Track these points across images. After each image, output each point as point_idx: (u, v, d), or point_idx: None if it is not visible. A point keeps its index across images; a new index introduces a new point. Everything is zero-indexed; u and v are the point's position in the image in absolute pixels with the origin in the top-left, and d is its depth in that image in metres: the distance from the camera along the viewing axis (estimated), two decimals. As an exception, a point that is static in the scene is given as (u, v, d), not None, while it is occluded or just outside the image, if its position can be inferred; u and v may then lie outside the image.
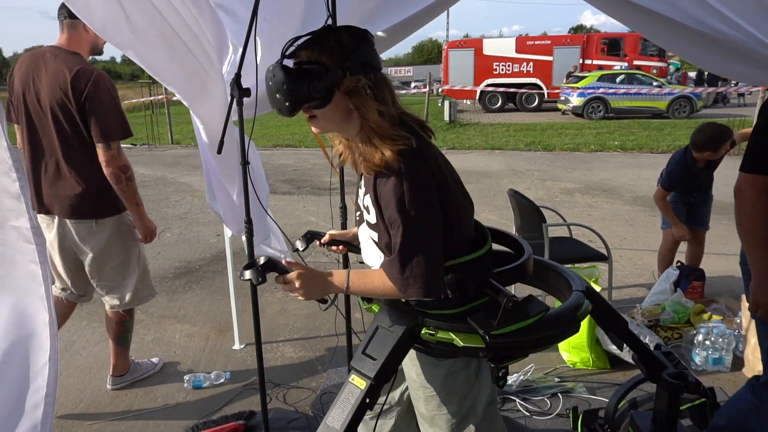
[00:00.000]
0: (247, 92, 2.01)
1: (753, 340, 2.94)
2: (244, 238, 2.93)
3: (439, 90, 21.84)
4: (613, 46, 19.98)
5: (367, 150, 1.31)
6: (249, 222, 2.20)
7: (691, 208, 3.73)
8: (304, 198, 7.21)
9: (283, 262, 1.36)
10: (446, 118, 16.19)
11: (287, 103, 1.28)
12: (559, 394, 2.75)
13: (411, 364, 1.52)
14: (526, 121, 16.56)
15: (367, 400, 1.36)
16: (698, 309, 3.41)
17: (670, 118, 15.75)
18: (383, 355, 1.37)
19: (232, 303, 3.28)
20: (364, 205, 1.41)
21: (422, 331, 1.38)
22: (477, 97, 20.11)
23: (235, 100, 2.03)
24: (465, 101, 21.66)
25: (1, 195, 1.04)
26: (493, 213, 6.24)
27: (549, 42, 20.09)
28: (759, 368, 2.87)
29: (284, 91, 1.27)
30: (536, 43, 20.12)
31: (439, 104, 19.68)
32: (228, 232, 3.11)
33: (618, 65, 18.85)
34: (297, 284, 1.35)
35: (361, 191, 1.43)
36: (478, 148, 11.70)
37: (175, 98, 12.52)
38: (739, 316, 3.19)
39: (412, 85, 31.83)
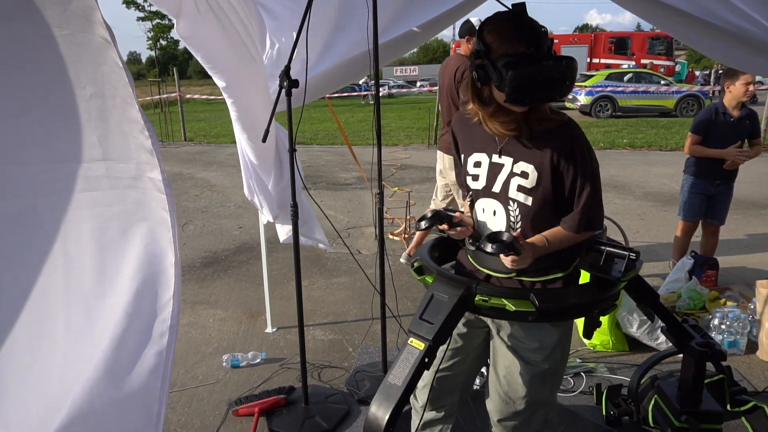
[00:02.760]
0: (295, 83, 2.15)
1: (767, 324, 3.06)
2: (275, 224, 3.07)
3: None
4: (620, 45, 20.07)
5: (542, 112, 1.53)
6: (294, 206, 2.33)
7: (710, 200, 3.82)
8: (321, 193, 7.35)
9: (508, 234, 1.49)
10: (454, 116, 16.30)
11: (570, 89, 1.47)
12: (582, 374, 2.88)
13: (525, 332, 1.62)
14: (533, 119, 16.64)
15: (426, 360, 1.50)
16: (713, 296, 3.54)
17: (677, 116, 15.82)
18: (440, 319, 1.51)
19: (265, 288, 3.42)
20: (517, 171, 1.56)
21: (476, 298, 1.51)
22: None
23: (284, 90, 2.17)
24: None
25: (138, 150, 1.20)
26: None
27: (557, 41, 20.16)
28: (773, 351, 3.00)
29: (572, 78, 1.45)
30: (543, 42, 20.21)
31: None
32: (263, 221, 3.24)
33: (626, 64, 18.93)
34: (526, 255, 1.48)
35: (501, 160, 1.59)
36: (487, 145, 11.79)
37: (188, 96, 12.59)
38: (754, 302, 3.31)
39: (418, 84, 31.93)
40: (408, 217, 5.44)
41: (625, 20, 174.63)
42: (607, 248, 1.61)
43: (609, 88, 16.32)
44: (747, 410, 2.53)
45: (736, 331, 3.11)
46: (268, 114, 2.30)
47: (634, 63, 18.96)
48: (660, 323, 3.11)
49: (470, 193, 1.70)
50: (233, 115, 2.57)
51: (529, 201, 1.56)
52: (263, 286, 3.49)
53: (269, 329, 3.46)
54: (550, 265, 1.59)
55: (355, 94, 18.27)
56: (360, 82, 20.78)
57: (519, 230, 1.58)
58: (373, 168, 3.88)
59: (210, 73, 2.28)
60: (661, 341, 3.10)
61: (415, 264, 1.78)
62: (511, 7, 1.48)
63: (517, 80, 1.39)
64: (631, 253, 1.58)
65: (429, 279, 1.67)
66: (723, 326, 3.12)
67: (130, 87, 1.16)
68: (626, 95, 16.27)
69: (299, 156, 2.79)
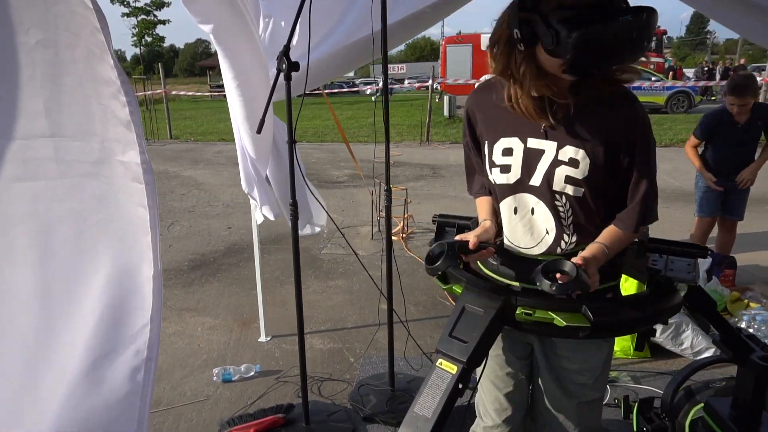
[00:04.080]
0: (295, 66, 1.90)
1: (796, 327, 2.88)
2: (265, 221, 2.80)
3: (436, 86, 21.86)
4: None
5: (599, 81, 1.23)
6: (294, 204, 2.09)
7: (727, 196, 3.64)
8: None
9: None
10: (446, 113, 16.12)
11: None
12: (605, 384, 2.66)
13: (571, 351, 1.39)
14: (524, 116, 16.50)
15: (460, 386, 1.26)
16: (734, 297, 3.35)
17: (668, 112, 15.75)
18: (475, 337, 1.27)
19: (258, 294, 3.16)
20: (563, 159, 1.27)
21: (517, 311, 1.28)
22: (474, 93, 20.05)
23: (282, 75, 1.92)
24: None
25: (108, 121, 0.89)
26: (506, 205, 6.17)
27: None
28: (803, 356, 2.81)
29: (651, 36, 1.16)
30: (533, 38, 20.10)
31: (437, 100, 19.59)
32: (256, 220, 2.98)
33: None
34: (595, 277, 1.22)
35: (542, 145, 1.29)
36: (480, 142, 11.63)
37: (174, 92, 12.24)
38: (778, 304, 3.13)
39: (406, 82, 31.67)
40: (405, 216, 5.21)
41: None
42: (672, 248, 1.36)
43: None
44: (787, 423, 2.34)
45: (764, 334, 2.92)
46: (264, 101, 2.05)
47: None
48: (686, 328, 2.91)
49: (496, 188, 1.39)
50: (235, 99, 2.29)
51: (581, 193, 1.28)
52: (255, 290, 3.23)
53: (263, 338, 3.21)
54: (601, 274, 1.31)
55: (345, 90, 18.03)
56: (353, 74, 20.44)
57: (572, 230, 1.31)
58: (368, 166, 3.60)
59: (216, 46, 2.03)
60: (686, 347, 2.89)
61: (439, 270, 1.54)
62: None
63: (585, 43, 1.08)
64: (699, 251, 1.34)
65: (457, 288, 1.43)
66: (751, 329, 2.93)
67: (103, 35, 0.85)
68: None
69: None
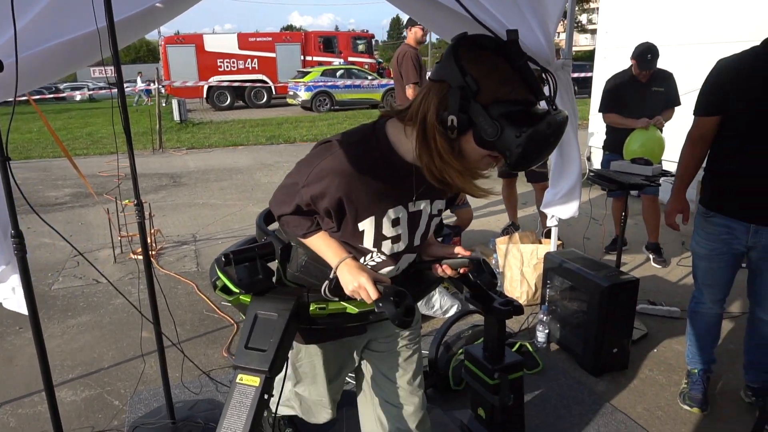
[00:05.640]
0: (-2, 67, 1.54)
1: (509, 273, 3.59)
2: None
3: (160, 88, 20.34)
4: (327, 44, 21.50)
5: None
6: (19, 236, 1.70)
7: None
8: (26, 218, 5.88)
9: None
10: (176, 117, 15.17)
11: None
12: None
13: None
14: (258, 117, 16.62)
15: (266, 396, 1.22)
16: (463, 259, 3.99)
17: (385, 107, 17.76)
18: (274, 343, 1.25)
19: (-27, 355, 2.50)
20: (434, 212, 1.38)
21: (311, 308, 1.29)
22: (205, 95, 19.32)
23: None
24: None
25: None
26: (257, 206, 6.12)
27: (270, 39, 20.46)
28: (516, 295, 3.53)
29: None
30: (258, 39, 20.28)
31: (164, 104, 18.26)
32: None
33: (336, 61, 20.38)
34: None
35: (419, 206, 1.34)
36: (218, 145, 11.30)
37: None
38: (495, 258, 3.84)
39: (139, 83, 28.70)
40: (152, 231, 4.75)
41: (324, 22, 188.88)
42: None
43: (329, 83, 17.38)
44: (517, 350, 2.91)
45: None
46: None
47: (343, 60, 20.56)
48: (434, 293, 3.36)
49: (377, 255, 1.34)
50: None
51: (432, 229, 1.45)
52: (-33, 353, 2.56)
53: (-12, 409, 2.56)
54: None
55: (49, 97, 15.42)
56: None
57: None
58: (92, 181, 3.11)
59: None
60: (437, 308, 3.34)
61: (218, 283, 1.45)
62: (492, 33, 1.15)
63: (533, 140, 1.02)
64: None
65: (245, 298, 1.37)
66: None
67: None
68: (341, 90, 17.55)
69: None
